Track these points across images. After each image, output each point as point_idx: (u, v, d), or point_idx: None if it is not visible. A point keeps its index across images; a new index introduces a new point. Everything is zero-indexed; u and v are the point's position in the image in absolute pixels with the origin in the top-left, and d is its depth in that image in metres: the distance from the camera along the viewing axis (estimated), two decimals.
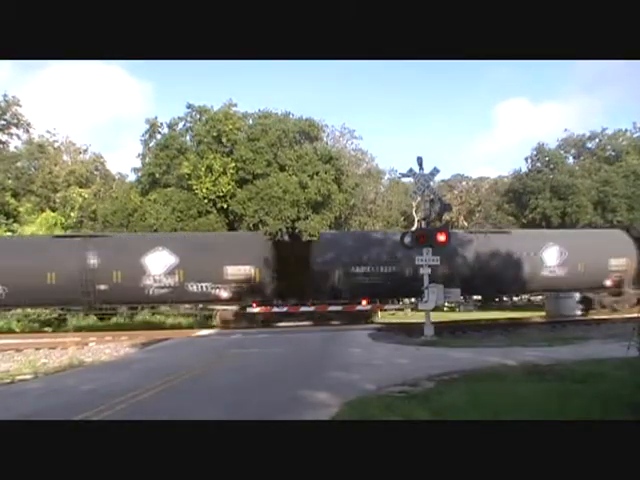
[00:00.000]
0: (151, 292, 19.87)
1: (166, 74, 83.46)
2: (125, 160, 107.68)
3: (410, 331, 17.07)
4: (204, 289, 19.99)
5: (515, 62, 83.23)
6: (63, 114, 65.77)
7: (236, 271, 20.11)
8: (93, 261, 19.61)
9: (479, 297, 25.62)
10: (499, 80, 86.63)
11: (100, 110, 74.71)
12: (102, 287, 19.49)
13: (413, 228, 30.72)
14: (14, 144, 36.64)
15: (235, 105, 32.16)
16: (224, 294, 20.10)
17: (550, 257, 22.08)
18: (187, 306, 21.71)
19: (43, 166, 36.42)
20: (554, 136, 58.92)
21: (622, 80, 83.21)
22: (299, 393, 7.25)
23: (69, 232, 27.38)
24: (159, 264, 19.77)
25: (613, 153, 41.51)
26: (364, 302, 21.42)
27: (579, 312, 23.03)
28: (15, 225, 30.48)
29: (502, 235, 23.36)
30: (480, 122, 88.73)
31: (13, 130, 35.98)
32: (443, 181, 47.70)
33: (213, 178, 29.09)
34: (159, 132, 32.56)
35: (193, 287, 19.91)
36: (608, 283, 22.55)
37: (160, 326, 22.72)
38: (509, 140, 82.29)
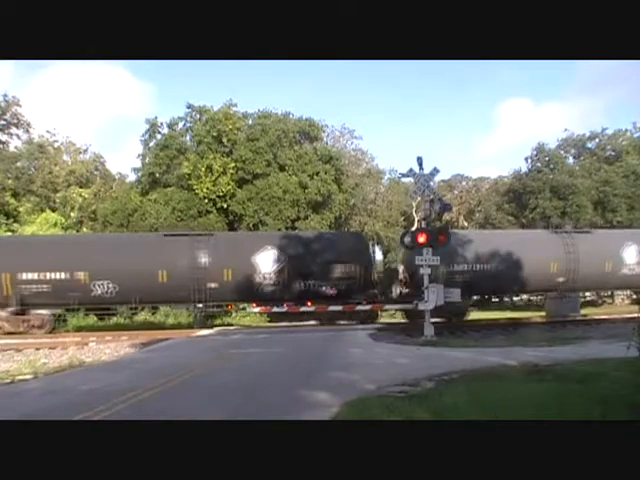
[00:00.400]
0: (260, 289, 20.29)
1: (168, 75, 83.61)
2: (129, 160, 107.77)
3: (410, 331, 17.08)
4: (311, 286, 20.59)
5: (517, 62, 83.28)
6: (67, 115, 65.91)
7: (341, 269, 20.70)
8: (204, 259, 19.89)
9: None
10: (501, 80, 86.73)
11: (104, 111, 74.96)
12: (213, 285, 19.80)
13: (413, 228, 30.72)
14: (14, 144, 36.70)
15: (235, 105, 32.21)
16: (329, 291, 20.68)
17: (630, 255, 22.68)
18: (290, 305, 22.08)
19: (43, 166, 36.41)
20: (556, 136, 58.84)
21: (624, 80, 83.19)
22: (299, 393, 7.25)
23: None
24: (269, 262, 20.21)
25: (613, 153, 41.52)
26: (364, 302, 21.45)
27: (580, 312, 23.15)
28: (15, 225, 30.48)
29: (584, 235, 23.93)
30: (482, 122, 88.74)
31: (13, 130, 35.99)
32: (443, 181, 47.71)
33: (213, 178, 29.11)
34: (159, 132, 32.57)
35: (301, 284, 20.49)
36: None
37: (160, 326, 22.74)
38: (511, 140, 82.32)
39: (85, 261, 19.43)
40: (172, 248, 20.13)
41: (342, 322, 21.09)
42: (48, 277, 19.13)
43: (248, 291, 20.21)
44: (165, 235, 21.65)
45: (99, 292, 19.41)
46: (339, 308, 21.62)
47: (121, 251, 20.02)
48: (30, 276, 19.06)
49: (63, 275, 19.13)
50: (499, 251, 21.28)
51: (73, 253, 19.73)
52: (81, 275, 19.23)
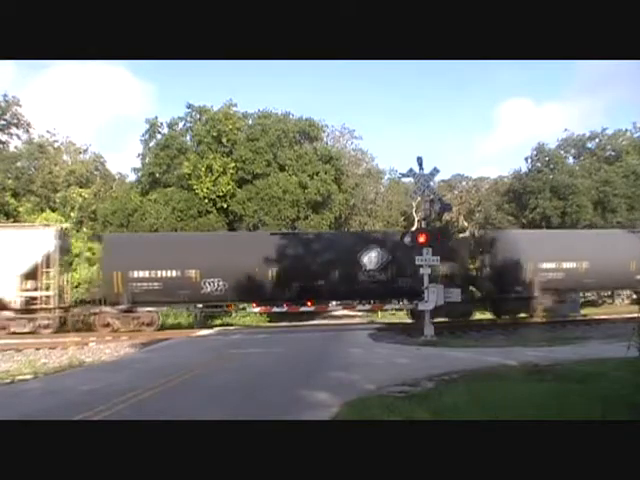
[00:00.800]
0: (365, 287, 20.70)
1: (169, 76, 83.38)
2: (130, 160, 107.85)
3: (410, 331, 17.09)
4: (411, 284, 20.79)
5: (517, 62, 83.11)
6: (68, 115, 65.61)
7: (442, 267, 20.94)
8: (310, 257, 20.34)
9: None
10: (501, 80, 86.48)
11: (104, 111, 74.93)
12: (320, 282, 20.18)
13: (413, 228, 30.72)
14: (14, 144, 36.66)
15: (235, 105, 32.20)
16: None
17: None
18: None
19: (43, 166, 36.36)
20: (556, 136, 58.93)
21: (625, 80, 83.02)
22: (299, 393, 7.25)
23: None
24: (373, 260, 20.60)
25: (613, 153, 41.52)
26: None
27: (580, 312, 23.18)
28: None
29: None
30: (482, 122, 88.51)
31: (13, 130, 35.95)
32: (443, 181, 47.70)
33: (213, 178, 29.10)
34: (159, 132, 32.56)
35: (403, 282, 20.83)
36: None
37: (160, 326, 22.71)
38: (511, 140, 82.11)
39: (196, 259, 19.65)
40: (281, 246, 20.46)
41: (344, 322, 21.24)
42: (159, 275, 19.35)
43: (352, 288, 20.65)
44: (272, 234, 22.20)
45: (209, 290, 19.59)
46: (339, 308, 21.71)
47: (231, 249, 20.30)
48: (142, 274, 19.28)
49: (174, 273, 19.35)
50: (585, 250, 22.05)
51: (184, 251, 19.99)
52: (192, 273, 19.44)
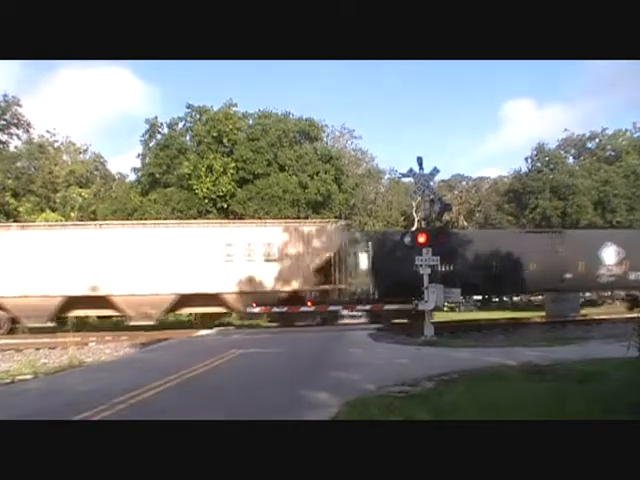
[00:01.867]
0: (602, 280, 22.60)
1: (171, 76, 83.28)
2: (130, 161, 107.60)
3: (410, 331, 17.09)
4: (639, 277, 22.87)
5: (520, 62, 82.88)
6: (71, 116, 65.77)
7: None
8: (563, 253, 21.83)
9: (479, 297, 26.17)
10: (503, 81, 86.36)
11: (107, 111, 74.86)
12: (568, 275, 21.74)
13: (413, 228, 30.73)
14: (14, 144, 36.65)
15: (235, 105, 32.22)
16: None
17: None
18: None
19: (43, 166, 36.35)
20: (558, 137, 58.85)
21: (628, 81, 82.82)
22: (300, 393, 7.25)
23: None
24: (611, 256, 22.57)
25: (613, 153, 41.54)
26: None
27: (580, 312, 23.19)
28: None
29: None
30: (483, 123, 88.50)
31: (13, 130, 35.95)
32: (443, 181, 47.73)
33: (213, 178, 29.11)
34: (159, 132, 32.57)
35: (632, 275, 22.72)
36: None
37: (160, 326, 22.71)
38: (514, 141, 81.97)
39: (459, 254, 20.91)
40: (534, 243, 22.14)
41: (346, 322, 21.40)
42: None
43: (593, 281, 22.62)
44: (527, 232, 24.90)
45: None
46: (339, 308, 21.68)
47: (493, 244, 21.77)
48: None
49: (444, 268, 20.21)
50: None
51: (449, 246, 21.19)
52: (450, 267, 20.48)
